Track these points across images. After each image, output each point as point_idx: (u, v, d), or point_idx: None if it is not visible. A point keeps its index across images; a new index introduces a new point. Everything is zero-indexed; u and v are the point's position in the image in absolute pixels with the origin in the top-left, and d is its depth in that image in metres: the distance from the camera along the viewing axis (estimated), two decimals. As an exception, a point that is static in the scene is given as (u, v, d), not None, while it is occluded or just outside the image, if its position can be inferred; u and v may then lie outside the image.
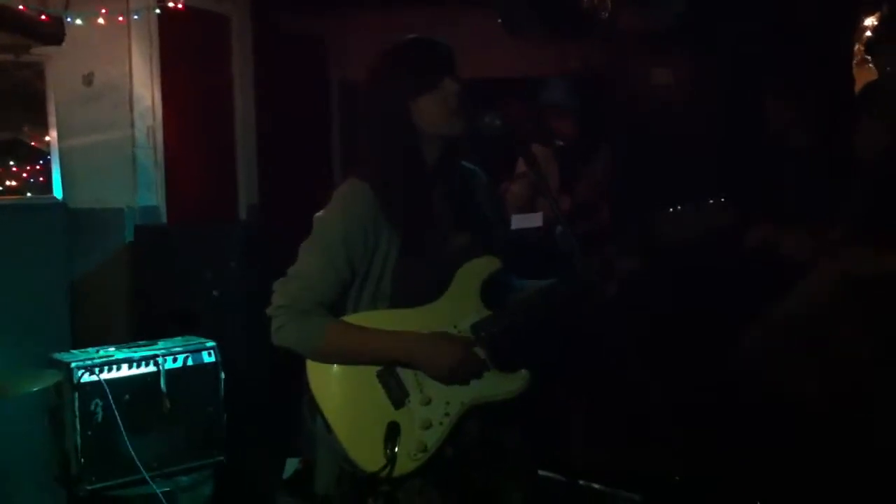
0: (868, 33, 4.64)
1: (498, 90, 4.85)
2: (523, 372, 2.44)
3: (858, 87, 4.58)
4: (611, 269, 2.44)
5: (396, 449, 2.31)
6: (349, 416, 2.41)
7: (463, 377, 2.40)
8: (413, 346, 2.40)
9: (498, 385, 2.43)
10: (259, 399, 4.58)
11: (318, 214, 2.50)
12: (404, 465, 2.34)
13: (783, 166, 4.07)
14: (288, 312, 2.42)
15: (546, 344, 2.96)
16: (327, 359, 2.44)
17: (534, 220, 4.52)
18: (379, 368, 2.42)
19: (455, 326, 2.44)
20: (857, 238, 3.31)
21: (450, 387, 2.40)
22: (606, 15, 4.65)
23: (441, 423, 2.38)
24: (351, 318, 2.45)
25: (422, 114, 2.44)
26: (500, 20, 5.29)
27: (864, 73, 5.02)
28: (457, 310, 2.45)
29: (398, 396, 2.40)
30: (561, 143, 4.88)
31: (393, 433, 2.33)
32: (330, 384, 2.44)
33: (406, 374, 2.41)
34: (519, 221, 4.59)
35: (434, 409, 2.39)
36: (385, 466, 2.29)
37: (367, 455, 2.35)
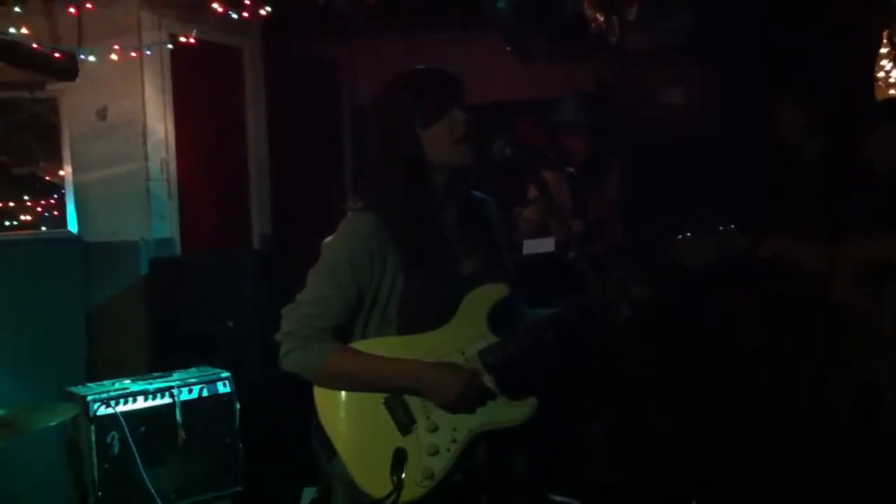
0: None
1: (508, 113, 4.88)
2: (531, 399, 2.42)
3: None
4: (623, 294, 2.43)
5: (403, 475, 2.31)
6: (356, 442, 2.41)
7: (468, 406, 2.39)
8: (418, 375, 2.39)
9: (505, 412, 2.41)
10: (275, 428, 4.57)
11: (326, 240, 2.51)
12: (411, 492, 2.32)
13: (796, 179, 4.05)
14: (295, 338, 2.43)
15: (554, 371, 2.94)
16: (332, 384, 2.44)
17: (546, 245, 4.52)
18: (386, 395, 2.42)
19: (462, 353, 2.43)
20: (871, 248, 3.29)
21: (457, 414, 2.39)
22: (615, 39, 4.65)
23: (448, 450, 2.37)
24: (358, 345, 2.45)
25: (430, 143, 2.43)
26: (508, 48, 5.31)
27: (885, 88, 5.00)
28: (464, 336, 2.45)
29: (405, 423, 2.39)
30: (572, 169, 4.87)
31: (399, 460, 2.32)
32: (337, 410, 2.44)
33: (413, 401, 2.40)
34: (531, 247, 4.59)
35: (441, 435, 2.38)
36: (391, 493, 2.28)
37: (374, 481, 2.34)
